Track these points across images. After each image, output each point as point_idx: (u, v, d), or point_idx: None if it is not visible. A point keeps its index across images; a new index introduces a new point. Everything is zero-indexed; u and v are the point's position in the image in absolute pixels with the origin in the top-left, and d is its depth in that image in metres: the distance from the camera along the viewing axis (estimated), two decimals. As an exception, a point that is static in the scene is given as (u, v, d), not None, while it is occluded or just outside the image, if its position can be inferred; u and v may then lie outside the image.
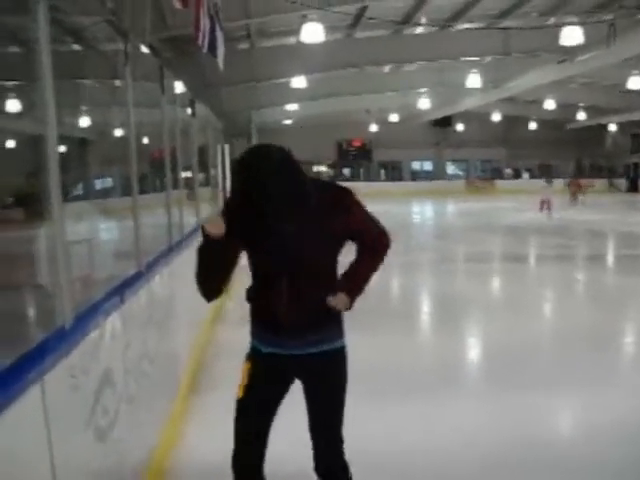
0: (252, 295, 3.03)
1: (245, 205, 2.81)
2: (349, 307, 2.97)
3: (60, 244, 2.74)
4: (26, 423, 2.21)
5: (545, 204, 24.66)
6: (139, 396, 3.81)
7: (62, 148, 3.12)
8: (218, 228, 2.76)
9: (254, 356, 3.04)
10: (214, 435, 3.50)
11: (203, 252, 2.87)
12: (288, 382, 3.10)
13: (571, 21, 16.50)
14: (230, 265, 2.96)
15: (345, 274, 3.03)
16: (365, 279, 3.05)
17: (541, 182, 27.75)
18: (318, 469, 3.11)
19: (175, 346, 5.45)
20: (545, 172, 43.88)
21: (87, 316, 2.97)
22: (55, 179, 2.68)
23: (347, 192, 2.99)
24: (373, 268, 3.09)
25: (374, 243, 3.08)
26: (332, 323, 3.02)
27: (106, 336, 3.25)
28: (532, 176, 43.45)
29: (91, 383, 2.93)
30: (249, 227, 2.85)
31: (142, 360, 4.04)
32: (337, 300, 2.91)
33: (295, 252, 2.84)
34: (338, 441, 3.09)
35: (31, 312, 4.23)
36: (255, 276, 3.02)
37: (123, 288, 3.73)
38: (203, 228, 2.81)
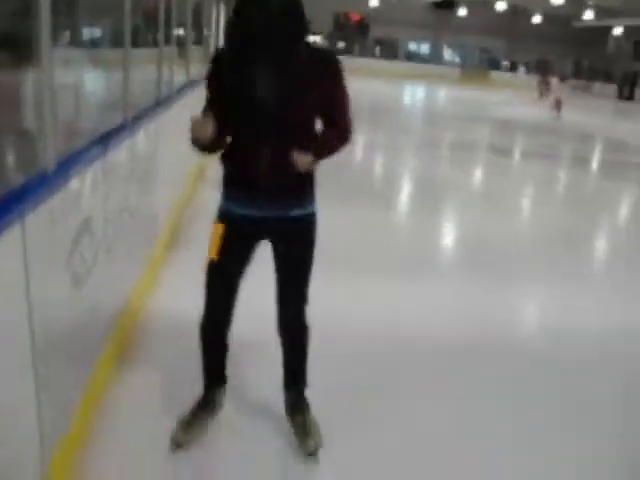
0: (229, 155, 3.01)
1: (237, 51, 2.78)
2: (309, 168, 2.92)
3: (47, 89, 2.69)
4: (5, 260, 2.24)
5: (557, 103, 23.69)
6: (117, 246, 3.86)
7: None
8: (204, 131, 2.75)
9: (227, 218, 3.04)
10: (187, 286, 3.58)
11: (194, 144, 2.88)
12: (256, 243, 3.13)
13: None
14: (224, 139, 2.97)
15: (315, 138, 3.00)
16: (330, 150, 3.02)
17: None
18: (279, 328, 3.23)
19: (155, 202, 5.47)
20: (542, 68, 43.35)
21: (70, 162, 2.95)
22: (46, 20, 2.60)
23: (337, 60, 2.94)
24: (336, 147, 3.05)
25: (343, 129, 3.03)
26: (306, 189, 3.05)
27: (87, 184, 3.26)
28: (528, 71, 42.79)
29: (70, 229, 2.96)
30: (235, 78, 2.81)
31: (122, 212, 4.07)
32: (302, 157, 2.85)
33: (279, 111, 2.81)
34: (302, 301, 3.18)
35: (14, 156, 4.19)
36: (234, 135, 2.98)
37: (107, 139, 3.70)
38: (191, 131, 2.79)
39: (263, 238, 3.12)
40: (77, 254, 3.02)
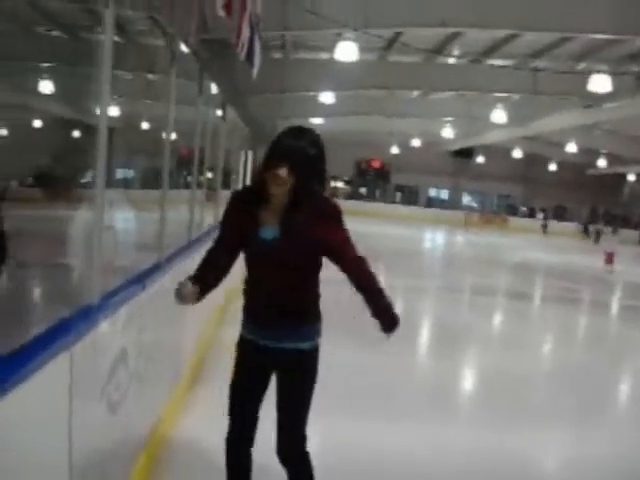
0: (244, 287, 3.31)
1: (253, 194, 3.13)
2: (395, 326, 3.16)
3: (98, 229, 2.94)
4: (53, 386, 2.40)
5: (609, 256, 22.21)
6: (147, 376, 4.00)
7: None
8: (187, 301, 3.11)
9: (241, 342, 3.33)
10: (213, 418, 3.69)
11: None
12: (267, 372, 3.34)
13: (600, 69, 16.70)
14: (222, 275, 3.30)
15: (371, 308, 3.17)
16: (383, 296, 3.19)
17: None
18: (279, 456, 3.34)
19: (183, 337, 5.63)
20: (560, 214, 44.32)
21: (112, 297, 3.16)
22: (102, 166, 2.88)
23: (336, 206, 3.22)
24: (377, 285, 3.21)
25: (356, 262, 3.21)
26: (306, 325, 3.27)
27: (125, 318, 3.45)
28: (546, 217, 43.55)
29: (108, 358, 3.12)
30: (246, 222, 3.13)
31: (153, 345, 4.23)
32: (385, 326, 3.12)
33: (280, 256, 3.10)
34: (300, 434, 3.31)
35: (58, 289, 4.42)
36: (247, 271, 3.29)
37: (145, 276, 3.93)
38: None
39: (270, 367, 3.32)
40: (113, 381, 3.17)
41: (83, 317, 2.76)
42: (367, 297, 3.16)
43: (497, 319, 12.87)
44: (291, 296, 3.17)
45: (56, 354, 2.37)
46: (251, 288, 3.27)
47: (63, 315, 2.71)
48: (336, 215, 3.21)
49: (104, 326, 2.97)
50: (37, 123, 29.06)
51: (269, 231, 3.10)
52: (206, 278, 3.18)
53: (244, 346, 3.32)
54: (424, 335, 10.67)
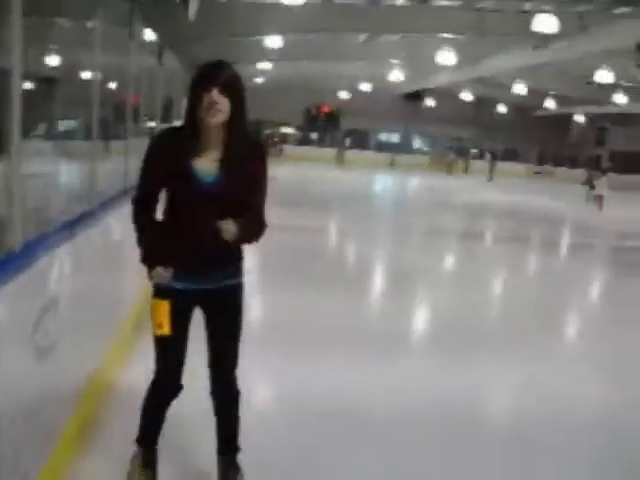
0: (168, 232, 3.22)
1: (183, 133, 3.09)
2: (232, 238, 3.07)
3: (15, 179, 2.93)
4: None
5: (599, 199, 23.18)
6: (81, 325, 4.01)
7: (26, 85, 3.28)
8: (164, 279, 3.17)
9: (170, 293, 3.21)
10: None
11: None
12: (192, 314, 3.37)
13: (546, 9, 16.69)
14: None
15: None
16: (251, 228, 3.18)
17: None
18: (213, 393, 3.44)
19: (124, 286, 5.64)
20: (511, 157, 44.73)
21: (36, 244, 3.17)
22: (17, 115, 2.86)
23: (263, 144, 3.31)
24: (255, 234, 3.22)
25: (257, 215, 3.22)
26: (237, 262, 3.32)
27: (51, 266, 3.45)
28: (494, 158, 43.59)
29: (36, 306, 3.14)
30: (175, 166, 3.07)
31: (87, 292, 4.24)
32: (226, 224, 3.03)
33: (219, 197, 3.07)
34: (234, 366, 3.41)
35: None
36: (172, 213, 3.21)
37: (74, 224, 3.92)
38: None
39: (198, 307, 3.37)
40: (41, 329, 3.18)
41: (3, 263, 2.76)
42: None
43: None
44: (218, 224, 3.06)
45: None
46: (177, 230, 3.15)
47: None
48: (264, 153, 3.25)
49: (27, 274, 2.97)
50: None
51: (207, 172, 3.05)
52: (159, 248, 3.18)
53: (177, 296, 3.21)
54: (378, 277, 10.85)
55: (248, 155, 3.14)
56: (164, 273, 3.16)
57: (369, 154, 44.22)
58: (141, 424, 3.51)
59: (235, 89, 3.01)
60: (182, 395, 3.42)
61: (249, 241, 3.21)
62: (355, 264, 11.88)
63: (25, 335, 2.99)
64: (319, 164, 36.53)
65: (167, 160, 3.10)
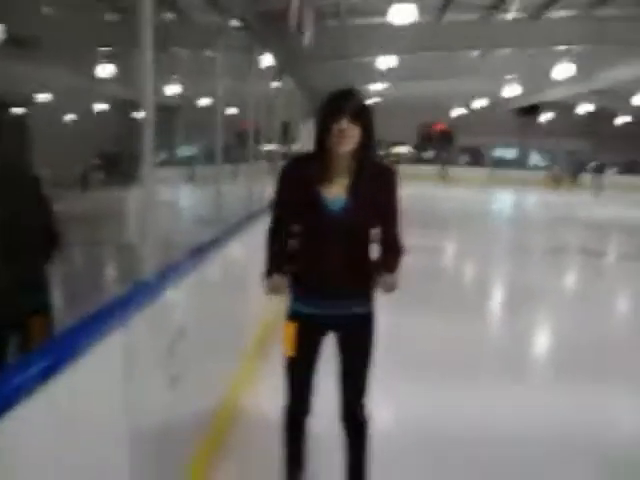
0: (300, 257, 3.22)
1: (311, 160, 3.07)
2: (393, 290, 3.13)
3: (149, 205, 2.97)
4: (108, 363, 2.45)
5: None
6: (208, 351, 4.04)
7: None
8: (281, 291, 3.19)
9: (298, 317, 3.23)
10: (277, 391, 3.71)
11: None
12: (324, 340, 3.32)
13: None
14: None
15: (378, 264, 3.19)
16: (397, 264, 3.21)
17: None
18: (342, 418, 3.38)
19: (246, 310, 5.68)
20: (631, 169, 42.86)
21: (168, 272, 3.20)
22: (149, 144, 2.90)
23: (393, 169, 3.20)
24: (398, 263, 3.22)
25: (393, 242, 3.23)
26: (366, 290, 3.23)
27: (183, 293, 3.49)
28: (599, 171, 41.55)
29: (168, 334, 3.17)
30: (305, 194, 3.06)
31: (214, 318, 4.28)
32: (389, 279, 3.10)
33: (348, 225, 3.05)
34: (363, 394, 3.33)
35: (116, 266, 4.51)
36: (303, 239, 3.21)
37: (203, 250, 3.97)
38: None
39: (329, 333, 3.32)
40: (173, 356, 3.22)
41: (137, 293, 2.80)
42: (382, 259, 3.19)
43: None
44: (355, 264, 3.12)
45: (110, 330, 2.41)
46: (308, 259, 3.18)
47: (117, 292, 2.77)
48: (395, 179, 3.19)
49: (159, 301, 3.01)
50: (99, 107, 29.65)
51: (335, 200, 3.04)
52: (282, 264, 3.21)
53: (301, 321, 3.23)
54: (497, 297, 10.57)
55: (377, 180, 3.11)
56: (279, 282, 3.16)
57: (480, 171, 43.44)
58: (283, 449, 3.51)
59: (364, 117, 2.99)
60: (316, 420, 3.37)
61: (394, 272, 3.19)
62: (473, 284, 11.65)
63: (159, 363, 3.02)
64: (426, 182, 36.29)
65: (297, 188, 3.11)
